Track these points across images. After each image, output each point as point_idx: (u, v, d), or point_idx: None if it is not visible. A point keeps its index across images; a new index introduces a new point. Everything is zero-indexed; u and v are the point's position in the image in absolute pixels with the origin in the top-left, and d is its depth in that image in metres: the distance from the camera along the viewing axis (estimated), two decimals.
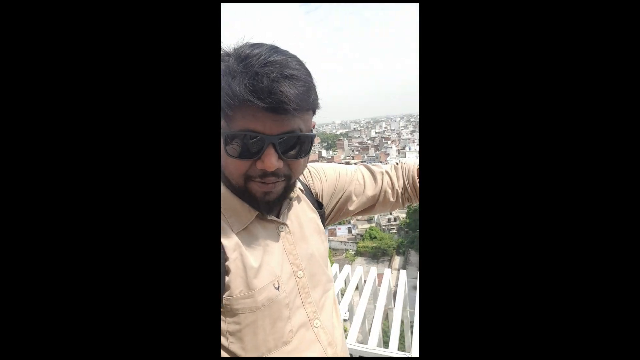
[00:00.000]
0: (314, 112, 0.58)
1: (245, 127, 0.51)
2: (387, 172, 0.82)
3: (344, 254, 30.70)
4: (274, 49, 0.53)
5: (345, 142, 72.21)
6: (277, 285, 0.59)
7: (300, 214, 0.69)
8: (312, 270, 0.66)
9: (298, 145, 0.55)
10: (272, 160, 0.53)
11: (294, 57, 0.54)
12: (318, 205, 0.76)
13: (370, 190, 0.80)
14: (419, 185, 0.79)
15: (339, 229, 34.31)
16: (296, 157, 0.56)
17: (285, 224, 0.64)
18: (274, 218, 0.63)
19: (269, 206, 0.60)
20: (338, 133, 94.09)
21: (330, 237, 33.22)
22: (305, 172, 0.76)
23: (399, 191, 0.81)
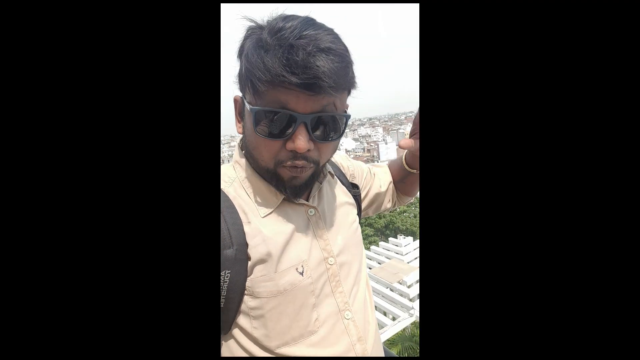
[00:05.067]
0: (349, 92, 0.54)
1: (277, 104, 0.49)
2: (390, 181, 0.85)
3: None
4: (310, 22, 0.49)
5: None
6: (300, 270, 0.56)
7: (332, 198, 0.66)
8: (345, 257, 0.62)
9: (331, 126, 0.52)
10: (303, 141, 0.49)
11: (331, 30, 0.49)
12: (353, 186, 0.73)
13: (384, 188, 0.83)
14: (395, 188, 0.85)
15: None
16: (327, 140, 0.53)
17: (314, 208, 0.61)
18: (303, 201, 0.60)
19: (296, 191, 0.57)
20: None
21: None
22: (336, 155, 0.74)
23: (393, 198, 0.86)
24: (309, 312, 0.56)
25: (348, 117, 0.53)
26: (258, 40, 0.48)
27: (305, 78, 0.45)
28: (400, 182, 0.84)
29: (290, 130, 0.49)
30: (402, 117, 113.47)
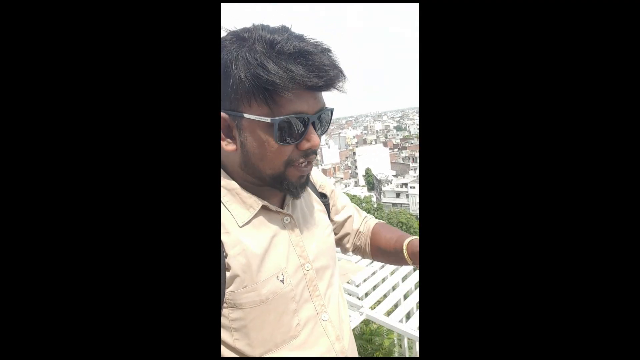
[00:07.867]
0: None
1: (294, 111, 0.50)
2: (363, 218, 0.84)
3: None
4: (289, 29, 0.50)
5: None
6: (281, 278, 0.57)
7: (305, 205, 0.67)
8: (320, 262, 0.64)
9: (325, 121, 0.55)
10: (318, 138, 0.53)
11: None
12: (321, 195, 0.74)
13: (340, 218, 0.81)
14: (371, 243, 0.81)
15: None
16: (322, 133, 0.55)
17: (290, 215, 0.61)
18: (279, 209, 0.60)
19: (303, 187, 0.59)
20: None
21: None
22: None
23: (355, 243, 0.82)
24: (290, 318, 0.57)
25: (332, 110, 0.56)
26: (253, 54, 0.47)
27: (327, 80, 0.48)
28: (378, 250, 0.79)
29: (303, 132, 0.51)
30: (343, 122, 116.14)
